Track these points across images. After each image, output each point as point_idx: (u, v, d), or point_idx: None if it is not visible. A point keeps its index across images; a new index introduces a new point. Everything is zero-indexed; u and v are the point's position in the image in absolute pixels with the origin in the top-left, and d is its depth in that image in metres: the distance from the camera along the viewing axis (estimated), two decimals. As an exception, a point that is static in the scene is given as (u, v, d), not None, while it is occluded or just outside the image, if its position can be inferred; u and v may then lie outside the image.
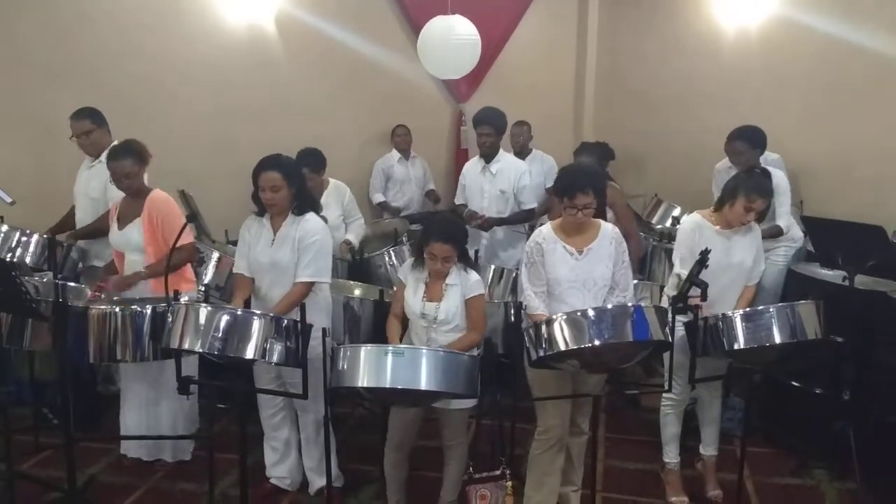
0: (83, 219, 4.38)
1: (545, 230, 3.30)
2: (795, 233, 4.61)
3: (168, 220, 3.67)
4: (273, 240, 3.41)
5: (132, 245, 3.73)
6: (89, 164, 4.39)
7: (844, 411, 3.81)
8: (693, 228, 3.49)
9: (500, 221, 4.94)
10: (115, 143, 3.92)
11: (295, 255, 3.37)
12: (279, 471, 3.71)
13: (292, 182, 3.37)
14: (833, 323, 3.31)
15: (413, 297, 3.25)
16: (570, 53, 7.62)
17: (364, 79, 6.54)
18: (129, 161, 3.65)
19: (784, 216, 4.47)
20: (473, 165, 5.13)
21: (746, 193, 3.35)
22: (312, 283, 3.38)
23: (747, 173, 3.50)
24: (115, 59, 5.42)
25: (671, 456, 3.72)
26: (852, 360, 3.84)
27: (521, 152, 5.83)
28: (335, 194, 4.81)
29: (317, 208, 3.53)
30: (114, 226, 3.80)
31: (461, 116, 7.14)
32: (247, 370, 3.50)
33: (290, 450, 3.70)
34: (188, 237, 3.73)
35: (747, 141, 4.43)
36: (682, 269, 3.45)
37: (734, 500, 3.44)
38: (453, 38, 5.21)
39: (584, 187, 3.13)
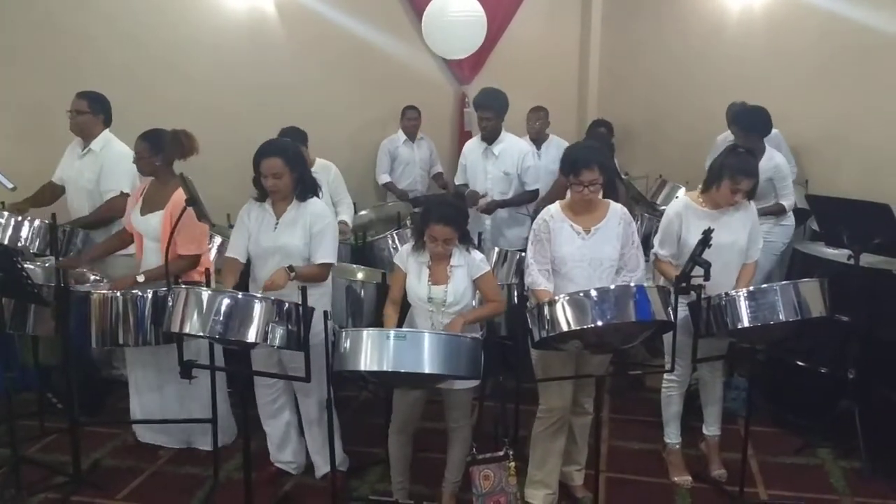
0: (78, 208, 4.40)
1: (553, 209, 3.28)
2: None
3: (183, 228, 3.52)
4: (276, 224, 3.40)
5: (151, 233, 3.72)
6: (80, 154, 4.39)
7: (849, 390, 3.82)
8: (678, 212, 3.48)
9: (504, 203, 4.90)
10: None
11: (304, 239, 3.36)
12: (284, 456, 3.71)
13: (294, 167, 3.34)
14: (838, 302, 3.29)
15: (417, 283, 3.22)
16: (574, 34, 7.57)
17: (365, 61, 6.51)
18: (144, 145, 3.69)
19: (788, 196, 4.50)
20: (474, 146, 5.07)
21: (731, 175, 3.33)
22: (331, 265, 3.41)
23: (731, 153, 3.45)
24: (115, 43, 5.40)
25: (672, 436, 3.72)
26: (857, 338, 3.83)
27: (538, 139, 5.79)
28: (321, 174, 4.74)
29: (317, 191, 3.51)
30: (136, 208, 3.78)
31: (464, 98, 7.09)
32: (248, 354, 3.49)
33: (290, 434, 3.70)
34: (200, 247, 3.69)
35: (738, 125, 4.49)
36: (659, 249, 3.53)
37: (738, 479, 3.43)
38: (458, 16, 5.15)
39: (589, 164, 3.11)
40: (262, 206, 3.45)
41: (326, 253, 3.37)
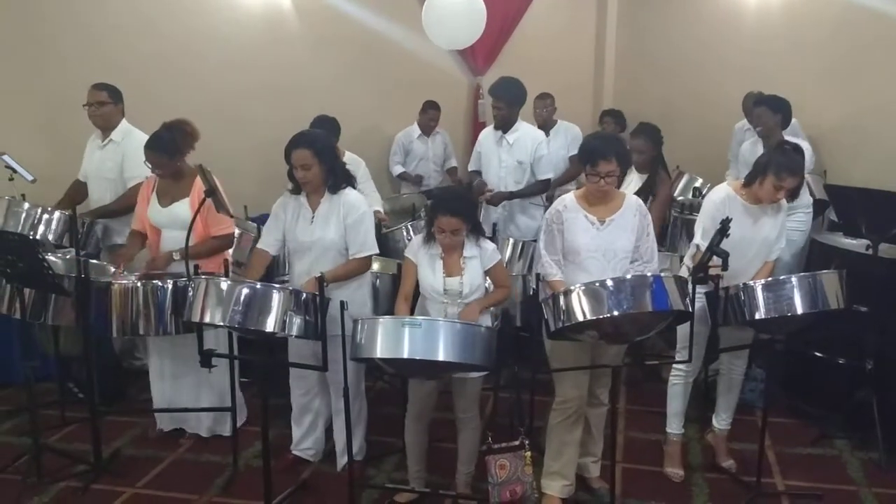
0: (100, 199, 4.40)
1: (568, 199, 3.27)
2: (806, 199, 4.56)
3: (210, 210, 3.59)
4: (312, 218, 3.40)
5: (179, 222, 3.69)
6: (101, 144, 4.40)
7: (867, 381, 3.80)
8: (723, 200, 3.39)
9: (510, 195, 4.85)
10: (163, 123, 3.79)
11: (339, 231, 3.36)
12: (305, 443, 3.74)
13: (324, 158, 3.33)
14: (856, 292, 3.27)
15: (432, 275, 3.23)
16: (590, 23, 7.54)
17: (380, 54, 6.52)
18: (159, 154, 3.66)
19: None
20: (489, 134, 5.04)
21: (777, 171, 3.25)
22: (371, 257, 3.41)
23: (778, 150, 3.38)
24: (131, 36, 5.42)
25: (674, 427, 3.70)
26: (875, 329, 3.81)
27: (545, 125, 5.78)
28: (350, 168, 4.76)
29: (351, 182, 3.50)
30: (153, 202, 3.79)
31: (478, 90, 7.09)
32: (271, 344, 3.51)
33: (317, 422, 3.74)
34: (229, 227, 3.75)
35: (768, 106, 4.43)
36: (702, 240, 3.36)
37: (755, 470, 3.43)
38: (454, 6, 5.15)
39: (606, 154, 3.08)
40: (298, 200, 3.45)
41: (363, 245, 3.38)
